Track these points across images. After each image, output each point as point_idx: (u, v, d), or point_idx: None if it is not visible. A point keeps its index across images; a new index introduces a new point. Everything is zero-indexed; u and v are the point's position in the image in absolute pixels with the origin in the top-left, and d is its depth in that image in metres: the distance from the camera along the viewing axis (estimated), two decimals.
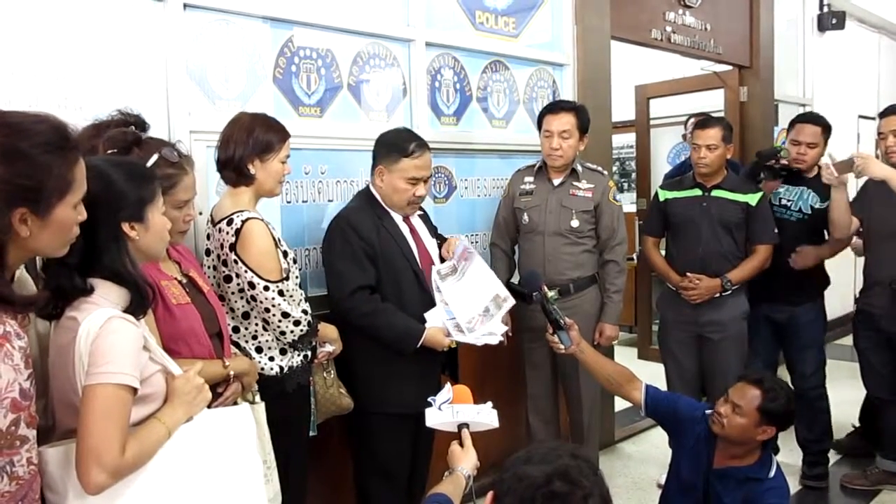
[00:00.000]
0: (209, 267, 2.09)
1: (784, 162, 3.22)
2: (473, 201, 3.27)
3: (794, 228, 3.21)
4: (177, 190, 1.73)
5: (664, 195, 3.27)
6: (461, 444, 1.68)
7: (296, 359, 2.14)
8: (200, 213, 2.18)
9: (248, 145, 2.02)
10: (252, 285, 2.00)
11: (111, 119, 1.68)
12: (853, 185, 3.26)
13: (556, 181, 2.96)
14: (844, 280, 5.38)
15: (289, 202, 2.57)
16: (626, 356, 4.50)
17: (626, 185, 6.63)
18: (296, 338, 2.07)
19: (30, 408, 1.21)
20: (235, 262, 1.99)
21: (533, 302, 2.51)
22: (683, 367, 3.25)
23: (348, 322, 2.31)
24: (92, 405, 1.26)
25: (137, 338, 1.35)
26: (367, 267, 2.32)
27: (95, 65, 2.06)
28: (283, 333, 2.06)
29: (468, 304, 2.41)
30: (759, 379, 2.18)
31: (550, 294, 2.44)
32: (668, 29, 4.15)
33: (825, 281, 3.40)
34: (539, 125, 2.97)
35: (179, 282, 1.78)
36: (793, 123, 3.36)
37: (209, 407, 1.51)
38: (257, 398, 1.92)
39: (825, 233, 3.27)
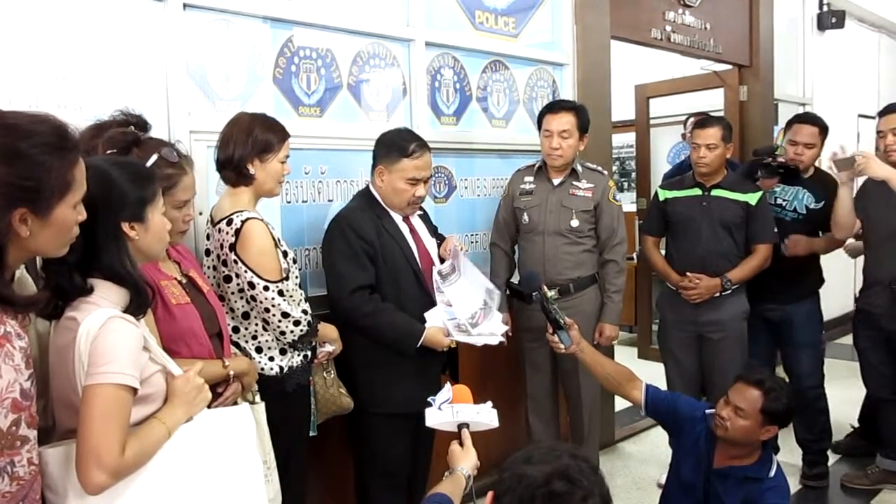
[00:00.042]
0: (209, 267, 2.09)
1: (781, 160, 3.22)
2: (473, 201, 3.27)
3: (789, 228, 3.22)
4: (176, 190, 1.73)
5: (664, 195, 3.26)
6: (461, 444, 1.68)
7: (296, 359, 2.14)
8: (200, 214, 2.18)
9: (248, 145, 2.02)
10: (252, 285, 2.00)
11: (112, 119, 1.69)
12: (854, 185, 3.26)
13: (556, 181, 2.96)
14: (844, 280, 5.38)
15: (289, 202, 2.57)
16: (626, 356, 4.50)
17: (626, 185, 6.63)
18: (296, 338, 2.07)
19: (30, 408, 1.21)
20: (235, 262, 1.99)
21: (533, 302, 2.51)
22: (683, 366, 3.25)
23: (348, 322, 2.31)
24: (92, 405, 1.26)
25: (137, 338, 1.35)
26: (367, 267, 2.32)
27: (95, 65, 2.06)
28: (282, 333, 2.06)
29: (469, 301, 2.42)
30: (759, 380, 2.18)
31: (550, 294, 2.44)
32: (668, 28, 4.15)
33: (820, 280, 3.41)
34: (539, 125, 2.97)
35: (179, 282, 1.78)
36: (790, 123, 3.36)
37: (209, 407, 1.51)
38: (257, 398, 1.93)
39: (819, 233, 3.28)
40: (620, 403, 3.75)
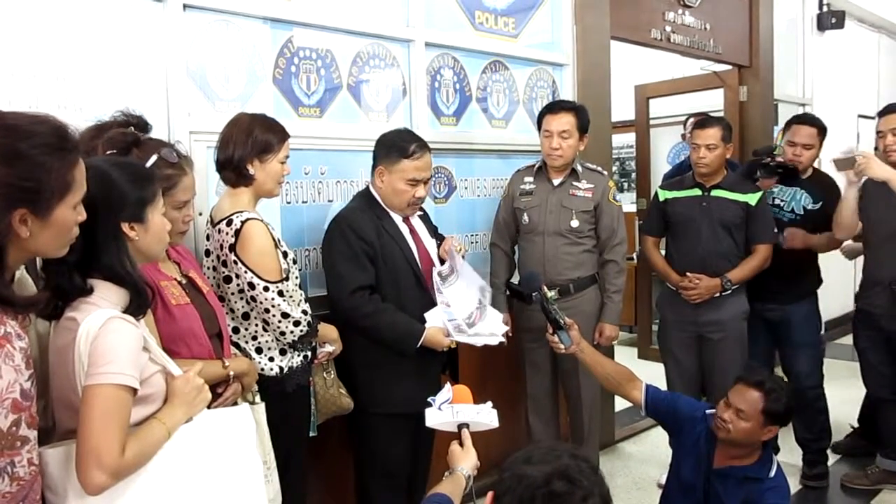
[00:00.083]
0: (209, 268, 2.09)
1: (780, 159, 3.22)
2: (473, 201, 3.27)
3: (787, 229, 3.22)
4: (176, 191, 1.74)
5: (664, 195, 3.27)
6: (461, 444, 1.68)
7: (296, 359, 2.14)
8: (200, 214, 2.18)
9: (248, 146, 2.02)
10: (252, 286, 2.00)
11: (113, 120, 1.69)
12: None
13: (556, 181, 2.96)
14: (844, 280, 5.38)
15: (288, 203, 2.57)
16: (626, 356, 4.50)
17: (625, 185, 6.63)
18: (296, 338, 2.07)
19: (31, 408, 1.21)
20: (235, 262, 1.99)
21: (533, 302, 2.51)
22: (683, 366, 3.25)
23: (349, 322, 2.31)
24: (92, 405, 1.26)
25: (137, 338, 1.35)
26: (367, 267, 2.32)
27: (95, 66, 2.06)
28: (282, 334, 2.06)
29: (466, 302, 2.42)
30: (759, 381, 2.18)
31: (550, 294, 2.44)
32: (668, 29, 4.15)
33: (818, 280, 3.41)
34: (539, 125, 2.97)
35: (179, 282, 1.79)
36: (789, 124, 3.37)
37: (209, 407, 1.51)
38: (257, 398, 1.93)
39: (817, 234, 3.27)
40: (620, 403, 3.75)
